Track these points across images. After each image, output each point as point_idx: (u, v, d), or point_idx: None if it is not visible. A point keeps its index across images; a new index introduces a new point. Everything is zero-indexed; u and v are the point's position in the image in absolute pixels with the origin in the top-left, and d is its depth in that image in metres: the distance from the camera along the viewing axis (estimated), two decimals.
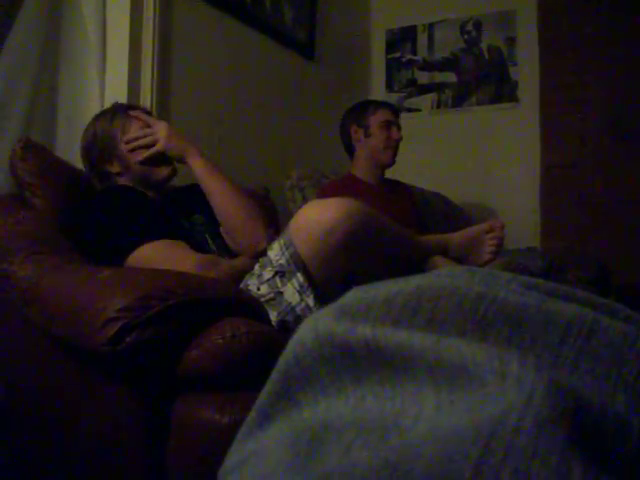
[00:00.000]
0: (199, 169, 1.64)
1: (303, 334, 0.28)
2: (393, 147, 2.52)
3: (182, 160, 1.67)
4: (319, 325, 0.27)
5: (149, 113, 1.80)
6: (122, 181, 1.69)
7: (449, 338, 0.25)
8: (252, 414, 0.28)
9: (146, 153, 1.66)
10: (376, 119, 2.51)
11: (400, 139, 2.54)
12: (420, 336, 0.25)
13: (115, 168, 1.69)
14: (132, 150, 1.66)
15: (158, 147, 1.65)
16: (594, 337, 0.27)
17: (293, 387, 0.27)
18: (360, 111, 2.57)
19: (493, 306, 0.27)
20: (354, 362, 0.25)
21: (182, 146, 1.66)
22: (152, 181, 1.69)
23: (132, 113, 1.69)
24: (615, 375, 0.25)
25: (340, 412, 0.24)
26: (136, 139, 1.66)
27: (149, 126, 1.68)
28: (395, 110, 2.61)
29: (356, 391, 0.25)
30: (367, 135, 2.52)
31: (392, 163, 2.56)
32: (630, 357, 0.26)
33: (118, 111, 1.72)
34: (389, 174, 2.72)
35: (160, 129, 1.66)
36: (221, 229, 1.66)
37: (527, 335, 0.26)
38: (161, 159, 1.68)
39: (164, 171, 1.69)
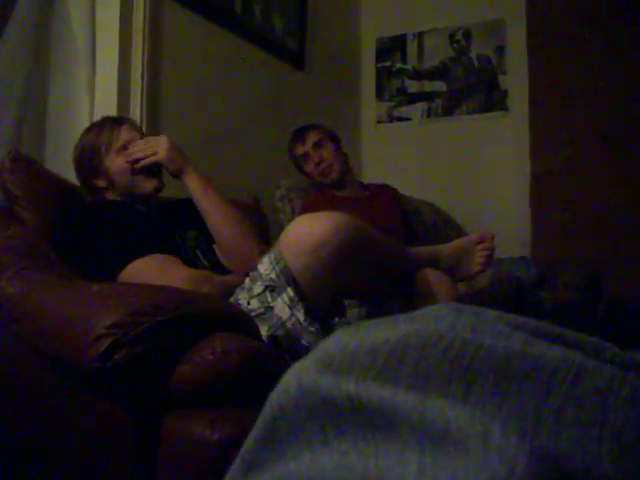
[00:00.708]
0: (194, 187, 1.65)
1: (288, 384, 0.28)
2: (322, 169, 2.52)
3: (178, 176, 1.67)
4: (303, 376, 0.27)
5: (140, 129, 1.79)
6: (109, 196, 1.69)
7: (433, 397, 0.25)
8: (237, 461, 0.28)
9: (143, 162, 1.65)
10: (297, 156, 2.59)
11: (320, 159, 2.52)
12: (404, 394, 0.25)
13: (101, 183, 1.69)
14: (135, 160, 1.65)
15: (157, 158, 1.64)
16: (579, 383, 0.27)
17: (278, 437, 0.27)
18: (289, 153, 2.64)
19: (478, 354, 0.27)
20: (338, 416, 0.25)
21: (180, 162, 1.66)
22: (137, 195, 1.69)
23: (123, 133, 1.68)
24: (601, 422, 0.25)
25: (324, 467, 0.24)
26: (138, 149, 1.66)
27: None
28: (302, 133, 2.59)
29: (340, 445, 0.25)
30: (302, 171, 2.62)
31: (337, 175, 2.53)
32: (616, 404, 0.26)
33: (106, 125, 1.71)
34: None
35: (162, 141, 1.66)
36: (214, 246, 1.66)
37: (512, 385, 0.26)
38: (152, 171, 1.68)
39: (149, 185, 1.69)
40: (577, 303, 2.81)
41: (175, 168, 1.66)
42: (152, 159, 1.65)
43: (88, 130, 1.74)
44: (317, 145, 2.53)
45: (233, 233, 1.61)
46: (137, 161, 1.65)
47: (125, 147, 1.67)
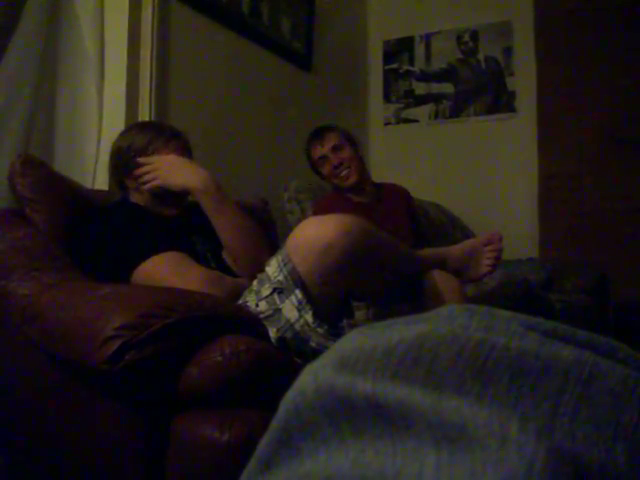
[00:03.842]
0: (205, 206, 1.60)
1: (303, 384, 0.28)
2: (339, 173, 2.44)
3: (187, 194, 1.63)
4: (319, 376, 0.27)
5: (189, 149, 1.73)
6: (133, 197, 1.70)
7: (449, 396, 0.25)
8: (253, 461, 0.28)
9: (146, 187, 1.64)
10: (314, 158, 2.51)
11: (339, 162, 2.43)
12: (420, 393, 0.25)
13: (131, 184, 1.69)
14: (144, 179, 1.64)
15: (157, 183, 1.62)
16: (593, 383, 0.27)
17: (294, 436, 0.27)
18: (306, 154, 2.56)
19: (493, 354, 0.27)
20: (355, 415, 0.26)
21: (185, 182, 1.60)
22: (157, 211, 1.69)
23: (172, 150, 1.66)
24: (615, 423, 0.25)
25: (340, 465, 0.24)
26: (143, 170, 1.64)
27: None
28: (321, 135, 2.50)
29: (356, 444, 0.25)
30: (319, 173, 2.54)
31: (352, 181, 2.45)
32: (630, 403, 0.26)
33: (163, 133, 1.68)
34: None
35: (160, 165, 1.62)
36: (223, 253, 1.66)
37: (526, 384, 0.26)
38: (169, 195, 1.67)
39: (167, 211, 1.69)
40: (586, 305, 2.80)
41: (179, 190, 1.62)
42: (153, 184, 1.62)
43: (144, 128, 1.72)
44: (336, 148, 2.46)
45: (244, 247, 1.59)
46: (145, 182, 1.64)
47: None
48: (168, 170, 1.61)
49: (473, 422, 0.23)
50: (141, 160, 1.65)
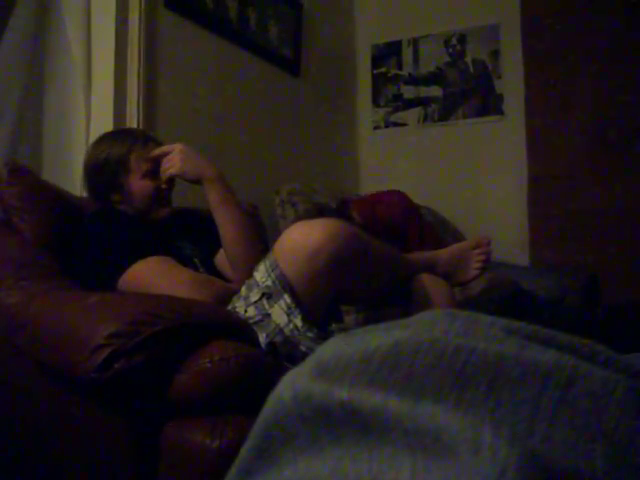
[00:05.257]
0: (213, 197, 1.59)
1: (282, 392, 0.28)
2: None
3: (197, 183, 1.61)
4: (296, 384, 0.27)
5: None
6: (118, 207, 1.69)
7: (426, 402, 0.25)
8: (233, 470, 0.28)
9: (168, 173, 1.61)
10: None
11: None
12: (396, 399, 0.25)
13: (117, 198, 1.66)
14: (151, 176, 1.62)
15: (172, 171, 1.60)
16: (573, 386, 0.27)
17: (273, 444, 0.27)
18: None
19: (471, 359, 0.27)
20: (332, 423, 0.26)
21: (198, 170, 1.59)
22: (148, 218, 1.67)
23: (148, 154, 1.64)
24: (594, 425, 0.25)
25: (319, 473, 0.24)
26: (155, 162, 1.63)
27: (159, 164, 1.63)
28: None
29: (334, 451, 0.25)
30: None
31: None
32: (609, 406, 0.26)
33: (137, 142, 1.66)
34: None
35: (175, 153, 1.60)
36: (216, 258, 1.66)
37: (505, 389, 0.26)
38: (168, 191, 1.66)
39: (162, 212, 1.67)
40: (575, 307, 2.81)
41: (191, 179, 1.61)
42: (168, 173, 1.61)
43: (116, 136, 1.69)
44: None
45: (245, 249, 1.57)
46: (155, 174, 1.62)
47: (152, 171, 1.63)
48: (183, 159, 1.59)
49: (447, 430, 0.23)
50: (156, 151, 1.63)
